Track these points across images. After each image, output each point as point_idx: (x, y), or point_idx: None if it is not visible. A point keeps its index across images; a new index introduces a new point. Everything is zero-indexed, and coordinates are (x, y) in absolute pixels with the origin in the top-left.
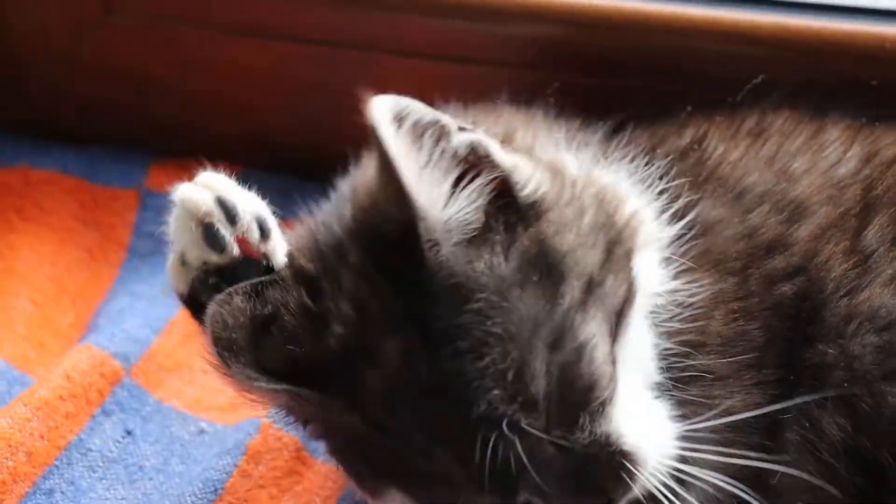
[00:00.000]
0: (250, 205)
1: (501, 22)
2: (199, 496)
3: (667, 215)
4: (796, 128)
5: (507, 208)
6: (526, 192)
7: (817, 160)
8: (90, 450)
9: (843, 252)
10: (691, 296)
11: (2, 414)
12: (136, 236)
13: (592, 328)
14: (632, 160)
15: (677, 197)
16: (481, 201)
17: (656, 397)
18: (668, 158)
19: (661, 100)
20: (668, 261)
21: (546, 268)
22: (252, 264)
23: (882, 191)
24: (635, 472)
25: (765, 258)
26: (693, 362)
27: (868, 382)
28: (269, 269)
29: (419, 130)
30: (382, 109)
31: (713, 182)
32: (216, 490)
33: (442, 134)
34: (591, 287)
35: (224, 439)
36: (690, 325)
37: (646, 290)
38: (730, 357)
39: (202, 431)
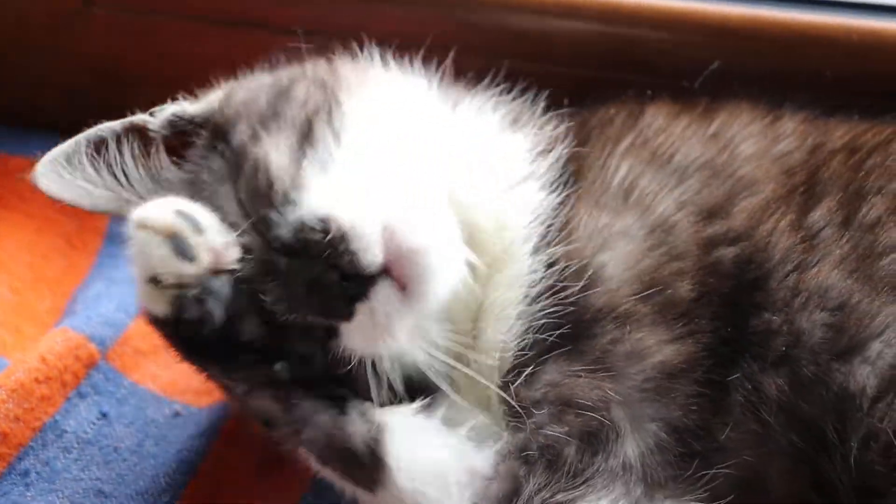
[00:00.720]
0: (205, 213)
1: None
2: (174, 477)
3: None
4: (750, 114)
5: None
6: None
7: (770, 148)
8: (65, 431)
9: (790, 225)
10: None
11: None
12: (114, 222)
13: (265, 147)
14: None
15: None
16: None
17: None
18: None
19: (625, 91)
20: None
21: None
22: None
23: (828, 175)
24: (353, 242)
25: (703, 223)
26: (589, 301)
27: (814, 354)
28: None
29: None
30: None
31: (639, 146)
32: (190, 471)
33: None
34: (263, 121)
35: (199, 421)
36: (578, 254)
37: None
38: (650, 302)
39: (177, 414)
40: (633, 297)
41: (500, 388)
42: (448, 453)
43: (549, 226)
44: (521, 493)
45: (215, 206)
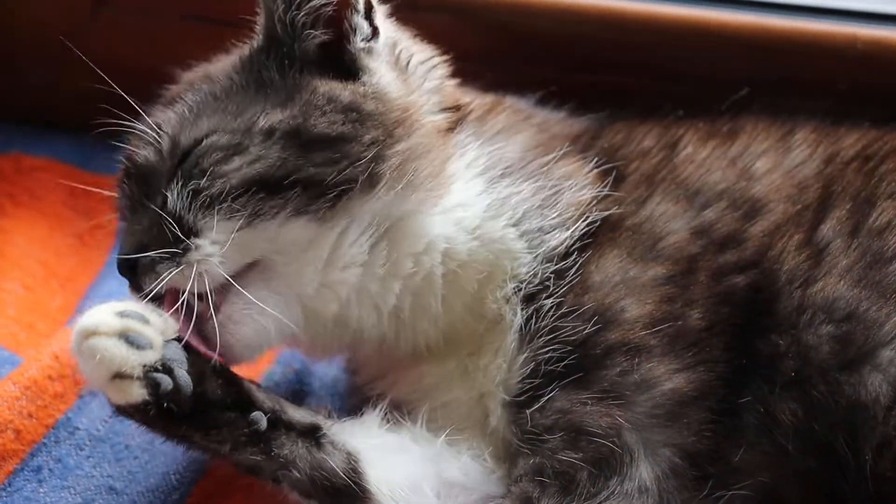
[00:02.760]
0: (135, 303)
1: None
2: (184, 475)
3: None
4: (766, 130)
5: None
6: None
7: (782, 160)
8: (77, 428)
9: (797, 245)
10: (590, 272)
11: None
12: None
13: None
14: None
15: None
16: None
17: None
18: (620, 156)
19: (638, 96)
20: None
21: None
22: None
23: (841, 187)
24: (180, 257)
25: (717, 252)
26: (603, 337)
27: (823, 371)
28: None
29: None
30: None
31: (670, 180)
32: (200, 469)
33: None
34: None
35: None
36: (592, 300)
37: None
38: (660, 334)
39: None
40: (645, 332)
41: (509, 411)
42: (423, 467)
43: (560, 272)
44: None
45: None
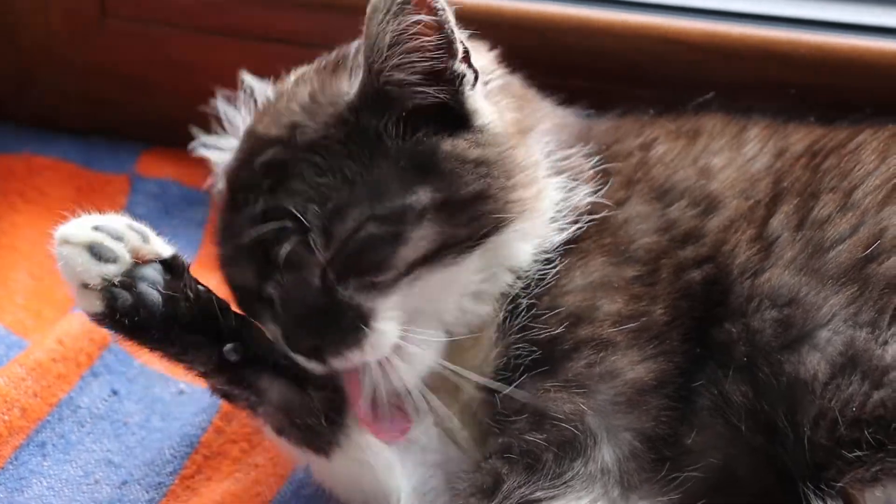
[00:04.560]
0: (120, 219)
1: None
2: (177, 449)
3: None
4: (724, 128)
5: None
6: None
7: (735, 156)
8: (79, 407)
9: (749, 240)
10: (572, 276)
11: (0, 373)
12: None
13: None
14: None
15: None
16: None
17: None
18: (610, 155)
19: (601, 98)
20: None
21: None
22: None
23: (790, 182)
24: (364, 340)
25: (678, 249)
26: (574, 333)
27: (766, 353)
28: (164, 262)
29: None
30: None
31: (645, 181)
32: (192, 444)
33: None
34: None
35: (201, 399)
36: (570, 302)
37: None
38: (626, 330)
39: (181, 392)
40: (613, 328)
41: (482, 394)
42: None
43: (543, 274)
44: (500, 488)
45: None
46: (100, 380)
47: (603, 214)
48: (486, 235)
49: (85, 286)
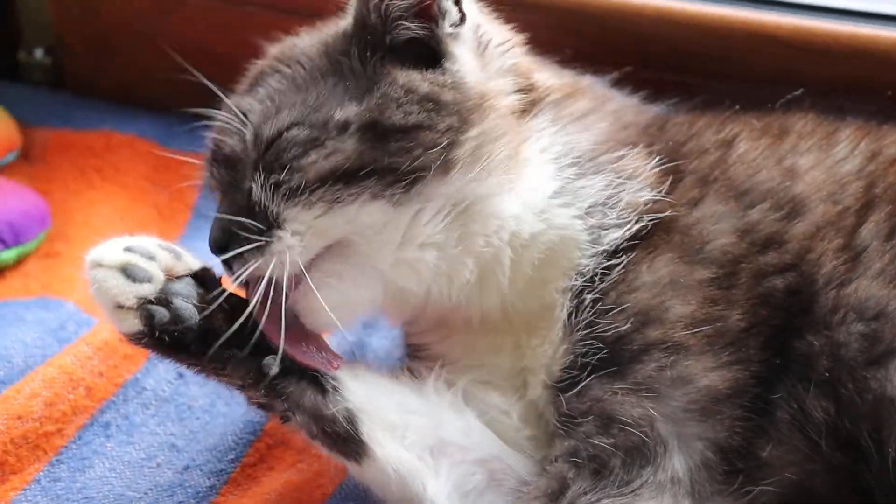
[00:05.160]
0: (150, 240)
1: None
2: (241, 436)
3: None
4: (814, 128)
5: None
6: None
7: (824, 157)
8: (145, 389)
9: (836, 249)
10: (639, 272)
11: (67, 352)
12: (202, 197)
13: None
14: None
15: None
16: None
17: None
18: (684, 152)
19: (690, 92)
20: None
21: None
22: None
23: (882, 189)
24: (265, 246)
25: (758, 254)
26: (643, 334)
27: (851, 369)
28: (196, 276)
29: None
30: None
31: (722, 180)
32: (255, 432)
33: None
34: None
35: None
36: (637, 299)
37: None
38: (700, 334)
39: None
40: (686, 331)
41: (549, 393)
42: (421, 422)
43: (607, 269)
44: (566, 493)
45: None
46: (166, 362)
47: (671, 213)
48: (422, 172)
49: (119, 307)
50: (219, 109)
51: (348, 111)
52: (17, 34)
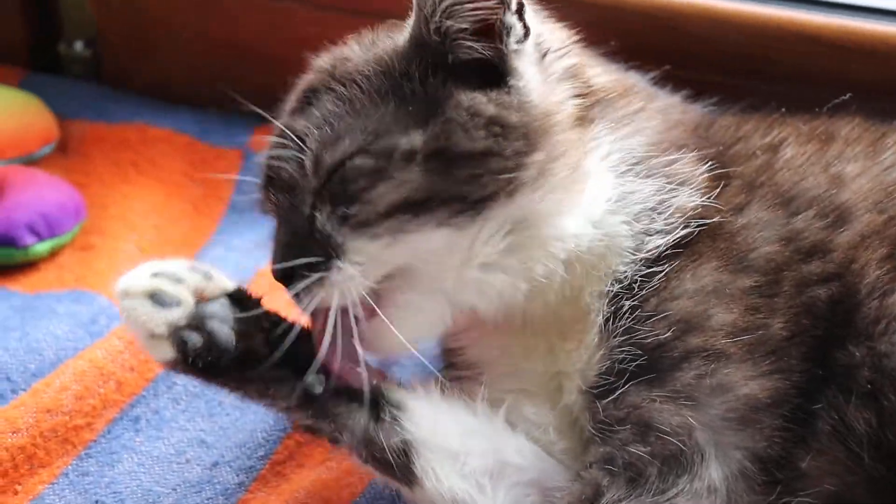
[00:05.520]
0: (180, 262)
1: None
2: (270, 433)
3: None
4: (861, 133)
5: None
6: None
7: (871, 165)
8: (175, 384)
9: (880, 259)
10: (682, 279)
11: (98, 345)
12: (238, 192)
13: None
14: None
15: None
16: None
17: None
18: (731, 156)
19: (732, 93)
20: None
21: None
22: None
23: None
24: (327, 277)
25: (802, 262)
26: (684, 342)
27: (894, 380)
28: (231, 295)
29: None
30: None
31: (768, 186)
32: (285, 428)
33: None
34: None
35: None
36: (680, 307)
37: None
38: (741, 342)
39: None
40: (727, 339)
41: (584, 399)
42: (478, 445)
43: (647, 276)
44: (600, 501)
45: None
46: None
47: (717, 219)
48: (490, 199)
49: (152, 336)
50: (271, 129)
51: (414, 139)
52: (59, 27)
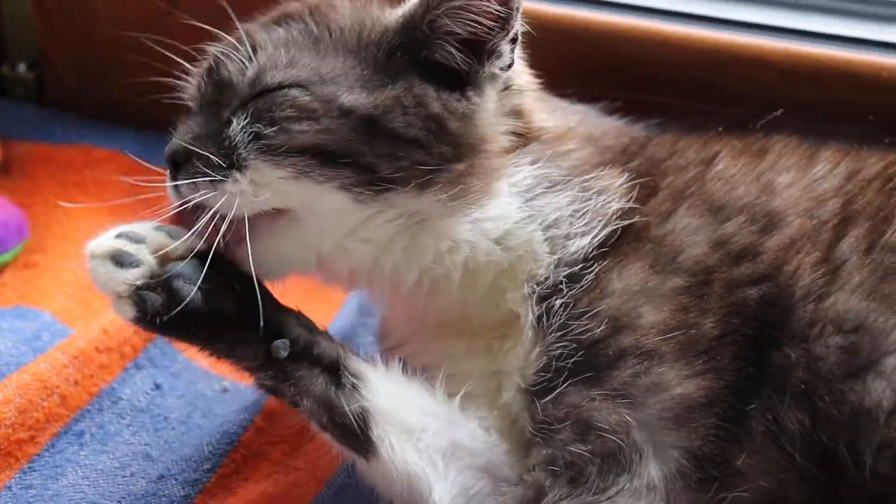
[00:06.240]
0: (146, 224)
1: None
2: (217, 447)
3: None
4: (794, 149)
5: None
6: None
7: (802, 176)
8: (120, 398)
9: (814, 262)
10: (609, 279)
11: (42, 360)
12: None
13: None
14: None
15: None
16: None
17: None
18: (663, 169)
19: (680, 115)
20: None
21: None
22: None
23: (862, 205)
24: (219, 183)
25: (732, 265)
26: (617, 340)
27: (828, 382)
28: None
29: None
30: None
31: (697, 195)
32: (232, 442)
33: None
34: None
35: (244, 398)
36: (609, 304)
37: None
38: (673, 341)
39: (225, 390)
40: (659, 338)
41: (524, 398)
42: (434, 425)
43: (571, 276)
44: (543, 501)
45: None
46: (143, 373)
47: (640, 222)
48: (399, 183)
49: (118, 296)
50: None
51: (356, 99)
52: (1, 49)
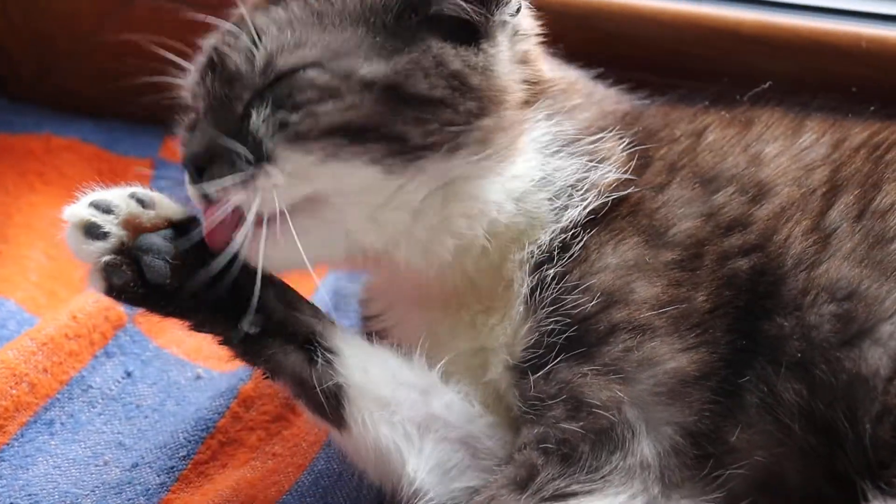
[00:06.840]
0: (122, 190)
1: None
2: (192, 434)
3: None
4: (780, 119)
5: None
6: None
7: (790, 145)
8: (91, 387)
9: (805, 231)
10: (604, 253)
11: (9, 346)
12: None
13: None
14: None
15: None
16: None
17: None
18: (656, 140)
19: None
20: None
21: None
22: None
23: (850, 173)
24: (251, 180)
25: (723, 236)
26: (609, 315)
27: (824, 350)
28: (175, 225)
29: None
30: None
31: (689, 167)
32: (208, 429)
33: None
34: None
35: (218, 384)
36: (602, 279)
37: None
38: (665, 315)
39: (198, 377)
40: (651, 312)
41: (512, 375)
42: (409, 396)
43: (564, 244)
44: (535, 480)
45: None
46: (113, 360)
47: (636, 195)
48: (430, 148)
49: (92, 266)
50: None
51: (375, 69)
52: None
